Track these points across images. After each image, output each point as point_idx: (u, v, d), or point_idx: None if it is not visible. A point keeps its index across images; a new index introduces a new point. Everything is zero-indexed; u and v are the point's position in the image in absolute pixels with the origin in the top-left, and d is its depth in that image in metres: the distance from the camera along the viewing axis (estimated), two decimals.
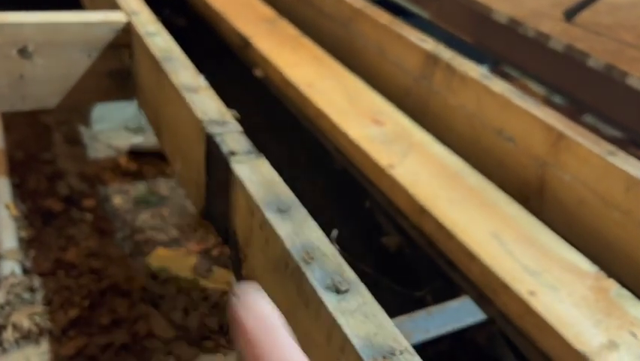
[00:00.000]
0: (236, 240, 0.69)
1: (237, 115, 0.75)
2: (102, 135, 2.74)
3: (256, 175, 0.64)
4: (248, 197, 0.62)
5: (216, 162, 0.70)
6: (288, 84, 1.21)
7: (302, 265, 0.54)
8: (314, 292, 0.52)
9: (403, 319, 0.75)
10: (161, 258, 2.04)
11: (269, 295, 0.60)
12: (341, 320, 0.49)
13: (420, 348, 0.74)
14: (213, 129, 0.71)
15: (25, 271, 1.73)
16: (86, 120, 2.72)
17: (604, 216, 0.86)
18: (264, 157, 0.68)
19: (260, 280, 0.64)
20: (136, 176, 2.51)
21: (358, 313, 0.50)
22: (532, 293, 0.73)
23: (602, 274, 0.79)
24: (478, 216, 0.86)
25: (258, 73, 1.32)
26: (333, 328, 0.49)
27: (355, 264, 1.04)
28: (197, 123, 0.74)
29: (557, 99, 1.37)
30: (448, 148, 1.03)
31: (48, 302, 1.66)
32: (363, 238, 1.04)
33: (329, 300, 0.51)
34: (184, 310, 1.61)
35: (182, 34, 1.82)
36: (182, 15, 1.83)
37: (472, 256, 0.79)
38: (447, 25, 1.73)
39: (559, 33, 1.24)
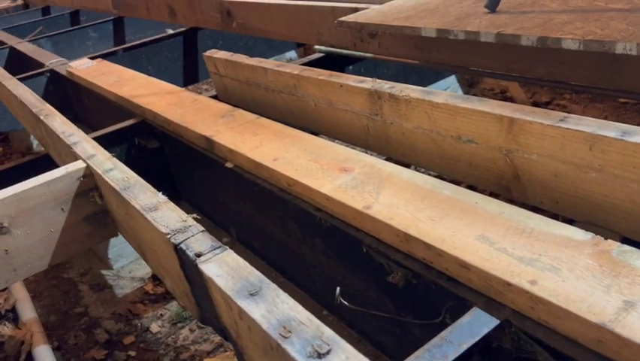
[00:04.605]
0: (230, 335, 0.70)
1: (198, 216, 0.78)
2: (124, 271, 2.81)
3: (223, 268, 0.66)
4: (221, 292, 0.64)
5: (189, 268, 0.72)
6: (257, 165, 1.24)
7: (281, 341, 0.54)
8: None
9: (418, 354, 0.73)
10: None
11: None
12: None
13: None
14: (177, 238, 0.74)
15: None
16: (105, 263, 2.79)
17: (581, 179, 0.85)
18: (228, 248, 0.70)
19: None
20: (165, 298, 2.55)
21: None
22: (533, 282, 0.72)
23: (599, 238, 0.77)
24: (462, 225, 0.86)
25: (228, 165, 1.37)
26: None
27: (371, 313, 1.03)
28: (164, 237, 0.77)
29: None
30: (418, 169, 1.04)
31: None
32: (371, 284, 1.04)
33: None
34: None
35: (156, 154, 1.90)
36: (153, 138, 1.92)
37: (466, 266, 0.79)
38: (391, 57, 1.78)
39: (487, 26, 1.27)
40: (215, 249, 0.70)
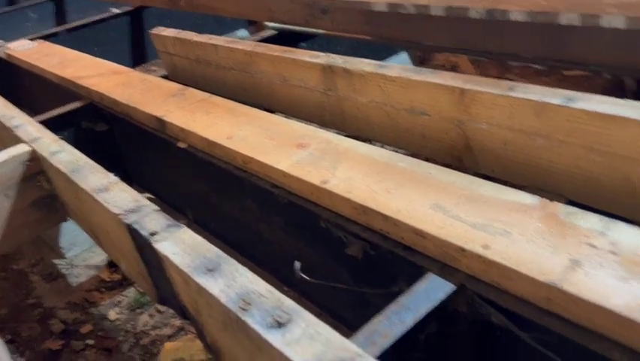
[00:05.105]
0: (189, 313, 0.69)
1: (151, 196, 0.76)
2: (78, 259, 2.72)
3: (179, 246, 0.65)
4: (178, 269, 0.63)
5: (144, 248, 0.71)
6: (211, 144, 1.22)
7: (241, 314, 0.54)
8: (259, 335, 0.52)
9: (376, 321, 0.75)
10: (171, 352, 2.01)
11: (231, 355, 0.60)
12: (288, 353, 0.49)
13: (406, 339, 0.73)
14: (130, 218, 0.72)
15: None
16: (57, 252, 2.70)
17: (529, 146, 0.88)
18: (184, 226, 0.69)
19: (221, 343, 0.64)
20: (122, 284, 2.50)
21: (304, 339, 0.50)
22: (486, 247, 0.74)
23: (546, 202, 0.80)
24: (417, 195, 0.87)
25: (181, 145, 1.34)
26: None
27: (330, 286, 1.04)
28: (116, 218, 0.75)
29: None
30: (374, 144, 1.04)
31: None
32: (330, 257, 1.05)
33: (273, 338, 0.51)
34: None
35: (105, 138, 1.84)
36: (101, 121, 1.85)
37: (422, 234, 0.80)
38: (344, 33, 1.77)
39: (437, 0, 1.28)
40: (170, 227, 0.69)
